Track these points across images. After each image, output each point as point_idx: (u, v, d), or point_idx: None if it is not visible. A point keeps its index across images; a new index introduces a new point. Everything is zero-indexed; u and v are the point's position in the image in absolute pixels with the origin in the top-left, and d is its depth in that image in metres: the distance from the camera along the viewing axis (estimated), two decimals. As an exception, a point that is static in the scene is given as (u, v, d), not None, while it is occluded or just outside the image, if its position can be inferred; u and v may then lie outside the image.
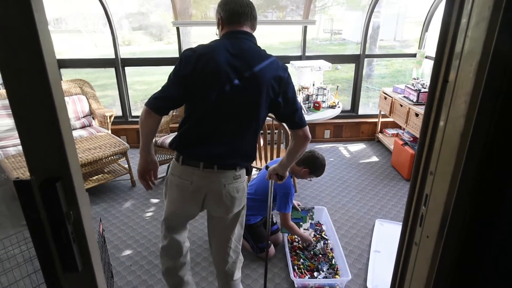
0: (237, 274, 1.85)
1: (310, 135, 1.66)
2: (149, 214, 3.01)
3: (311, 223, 2.68)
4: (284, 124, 2.78)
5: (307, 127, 1.65)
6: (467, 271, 0.71)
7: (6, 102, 3.36)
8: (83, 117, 3.82)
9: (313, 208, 2.77)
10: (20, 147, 3.24)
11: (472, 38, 0.61)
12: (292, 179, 2.41)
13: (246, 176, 1.69)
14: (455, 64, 0.66)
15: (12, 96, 0.61)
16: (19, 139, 2.59)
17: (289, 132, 2.89)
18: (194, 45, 1.58)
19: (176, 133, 1.65)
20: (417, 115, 3.47)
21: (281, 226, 2.45)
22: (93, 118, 3.92)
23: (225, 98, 1.49)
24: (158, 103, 1.50)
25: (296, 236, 2.59)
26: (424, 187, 0.76)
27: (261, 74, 1.48)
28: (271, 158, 2.98)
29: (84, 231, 0.72)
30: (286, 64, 1.61)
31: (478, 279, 0.72)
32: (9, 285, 1.90)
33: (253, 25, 1.59)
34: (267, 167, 2.13)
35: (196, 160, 1.56)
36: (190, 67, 1.47)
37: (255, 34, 1.61)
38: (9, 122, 3.33)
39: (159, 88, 1.53)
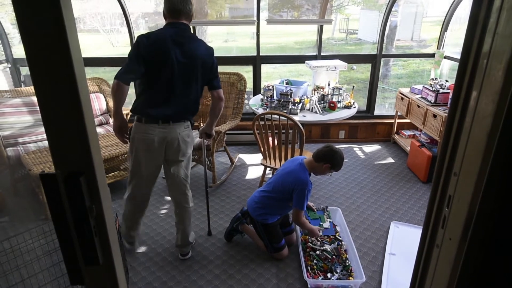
0: (190, 203, 2.37)
1: (223, 97, 2.26)
2: (164, 211, 3.05)
3: (330, 222, 2.65)
4: (297, 120, 2.77)
5: (221, 90, 2.25)
6: (491, 275, 0.69)
7: (27, 99, 3.45)
8: (101, 114, 3.89)
9: (327, 207, 2.76)
10: (40, 143, 3.33)
11: (502, 35, 0.59)
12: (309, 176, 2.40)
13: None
14: (483, 63, 0.65)
15: (40, 92, 0.62)
16: (39, 136, 2.73)
17: (303, 131, 2.87)
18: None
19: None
20: (435, 116, 3.40)
21: (293, 221, 2.44)
22: (110, 116, 3.98)
23: (172, 71, 2.05)
24: (125, 77, 1.99)
25: (309, 237, 2.58)
26: (448, 188, 0.74)
27: (197, 53, 2.09)
28: (286, 159, 2.97)
29: (106, 225, 0.73)
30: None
31: (503, 283, 0.70)
32: (29, 277, 1.95)
33: (187, 18, 2.11)
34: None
35: (156, 119, 2.09)
36: (146, 49, 1.99)
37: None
38: (30, 119, 3.42)
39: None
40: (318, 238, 2.55)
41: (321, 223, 2.63)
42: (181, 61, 2.05)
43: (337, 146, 2.45)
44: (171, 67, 2.04)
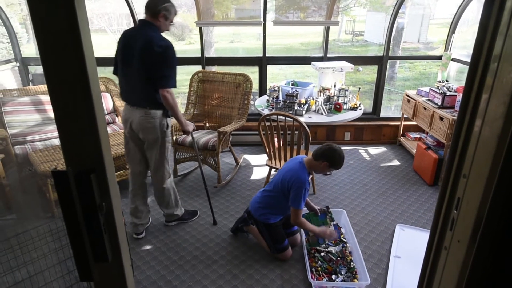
0: (165, 183, 2.63)
1: (166, 95, 2.31)
2: (169, 210, 3.06)
3: (334, 224, 2.60)
4: (302, 121, 2.77)
5: (164, 89, 2.31)
6: (500, 278, 0.69)
7: (35, 98, 3.49)
8: (107, 114, 3.92)
9: (328, 207, 2.64)
10: (47, 142, 3.36)
11: (513, 37, 0.59)
12: (309, 177, 2.39)
13: (168, 118, 2.51)
14: (494, 64, 0.64)
15: (53, 90, 0.63)
16: (46, 134, 2.82)
17: (308, 132, 2.87)
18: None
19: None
20: (441, 118, 3.38)
21: (292, 221, 2.38)
22: (117, 116, 4.01)
23: (125, 65, 2.37)
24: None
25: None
26: (456, 190, 0.74)
27: (143, 48, 2.26)
28: (291, 159, 2.97)
29: (115, 222, 0.74)
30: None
31: (512, 287, 0.69)
32: (35, 274, 1.97)
33: (151, 14, 2.32)
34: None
35: (124, 101, 2.50)
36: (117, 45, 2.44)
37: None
38: (37, 117, 3.45)
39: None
40: (327, 241, 2.51)
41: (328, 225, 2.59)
42: (126, 55, 2.34)
43: (342, 148, 2.45)
44: (120, 59, 2.39)
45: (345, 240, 2.59)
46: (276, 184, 2.42)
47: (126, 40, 2.34)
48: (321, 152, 2.33)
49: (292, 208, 2.33)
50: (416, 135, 4.27)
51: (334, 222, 2.62)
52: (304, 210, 2.79)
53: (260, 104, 3.68)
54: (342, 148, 2.46)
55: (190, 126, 2.65)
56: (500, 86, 0.62)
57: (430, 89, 3.76)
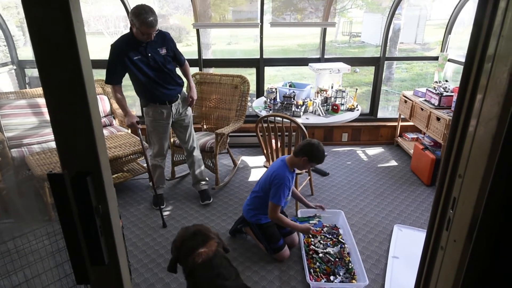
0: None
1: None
2: (167, 213, 3.05)
3: (319, 221, 2.56)
4: (300, 122, 2.77)
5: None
6: (496, 277, 0.69)
7: (32, 101, 3.48)
8: (104, 116, 3.91)
9: (316, 215, 2.66)
10: (44, 145, 3.35)
11: (507, 37, 0.59)
12: (293, 174, 2.43)
13: (145, 108, 2.98)
14: (488, 65, 0.65)
15: (48, 93, 0.63)
16: (43, 137, 2.82)
17: (306, 134, 2.87)
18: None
19: None
20: (438, 119, 3.39)
21: (269, 216, 2.39)
22: (114, 118, 4.00)
23: None
24: None
25: (311, 240, 2.58)
26: (452, 190, 0.74)
27: None
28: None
29: (112, 225, 0.74)
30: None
31: (508, 286, 0.69)
32: (32, 277, 1.96)
33: None
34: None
35: None
36: None
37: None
38: (34, 120, 3.44)
39: None
40: (322, 241, 2.54)
41: (310, 221, 2.56)
42: None
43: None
44: None
45: (343, 241, 2.59)
46: (262, 184, 2.48)
47: None
48: (300, 148, 2.39)
49: (270, 203, 2.35)
50: (413, 135, 4.28)
51: (320, 220, 2.58)
52: (300, 213, 2.81)
53: (257, 105, 3.68)
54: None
55: (129, 119, 2.85)
56: (494, 86, 0.63)
57: (427, 89, 3.78)
